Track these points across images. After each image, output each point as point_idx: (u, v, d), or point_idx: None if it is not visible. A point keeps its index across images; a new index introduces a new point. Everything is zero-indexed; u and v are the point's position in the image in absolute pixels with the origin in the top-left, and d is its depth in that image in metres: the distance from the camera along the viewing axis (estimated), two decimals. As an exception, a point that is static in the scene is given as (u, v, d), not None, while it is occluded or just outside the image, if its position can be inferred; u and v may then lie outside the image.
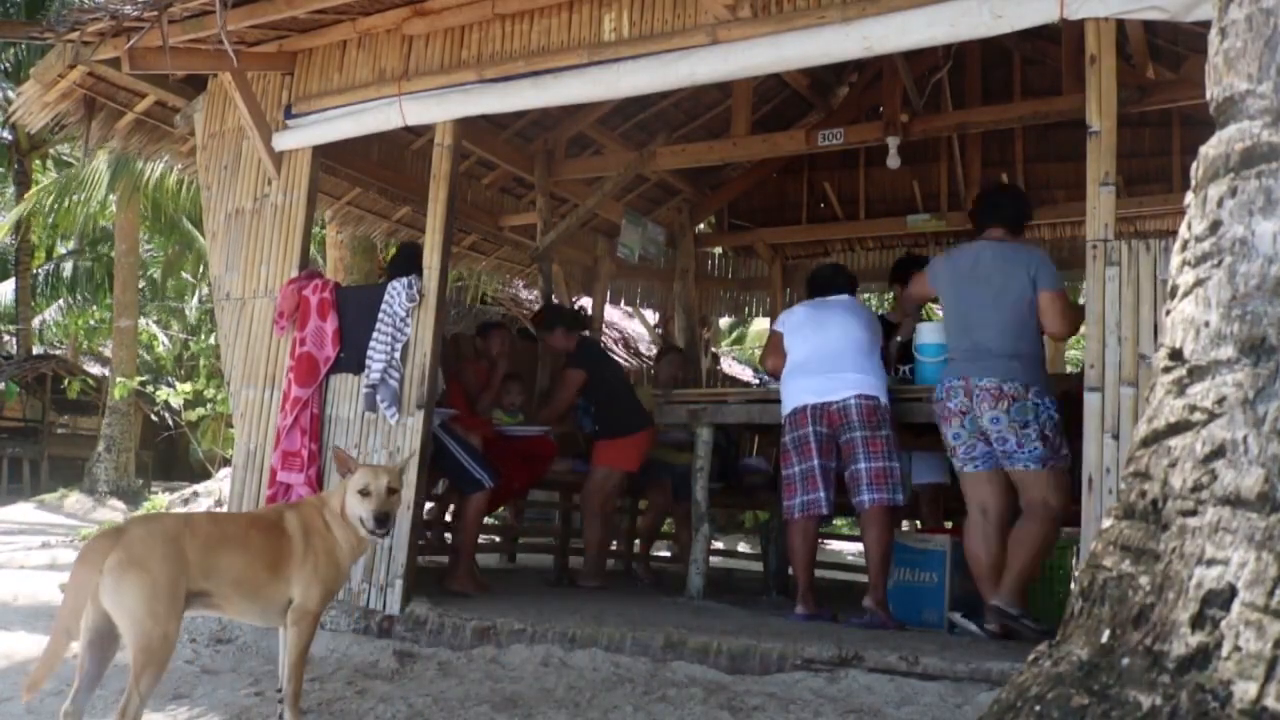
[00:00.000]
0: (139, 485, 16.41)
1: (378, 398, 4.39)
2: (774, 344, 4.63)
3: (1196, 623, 1.48)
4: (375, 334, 4.46)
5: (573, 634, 3.71)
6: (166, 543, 2.57)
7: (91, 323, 21.49)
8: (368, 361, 4.46)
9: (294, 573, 2.81)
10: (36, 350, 21.62)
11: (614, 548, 7.75)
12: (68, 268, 20.77)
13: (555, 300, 7.08)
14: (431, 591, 4.48)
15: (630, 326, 14.11)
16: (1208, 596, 1.48)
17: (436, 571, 5.12)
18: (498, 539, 7.14)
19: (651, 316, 13.07)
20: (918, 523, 5.91)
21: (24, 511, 14.40)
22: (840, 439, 4.29)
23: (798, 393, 4.38)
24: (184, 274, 22.17)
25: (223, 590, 2.69)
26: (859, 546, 6.11)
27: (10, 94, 14.02)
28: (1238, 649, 1.41)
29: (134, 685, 2.45)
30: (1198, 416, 1.62)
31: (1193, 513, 1.57)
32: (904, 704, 3.00)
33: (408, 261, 4.70)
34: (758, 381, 6.64)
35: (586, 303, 8.98)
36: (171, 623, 2.52)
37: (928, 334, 4.59)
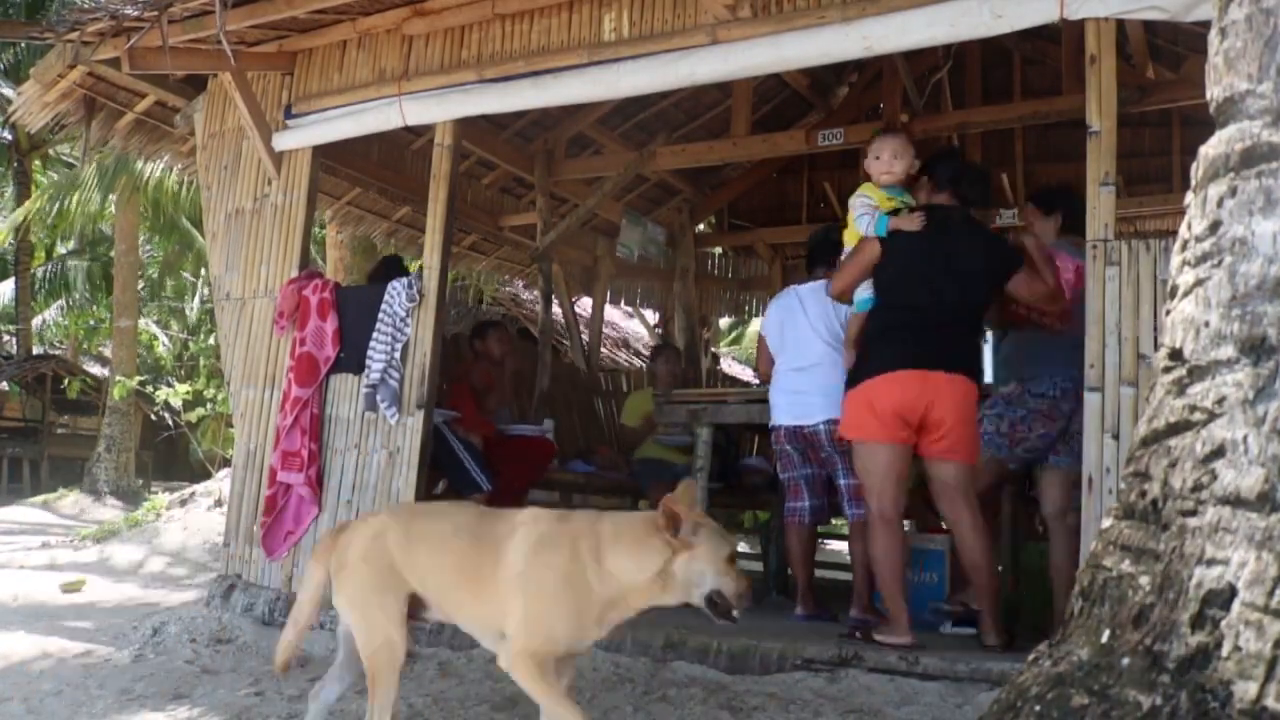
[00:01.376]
0: (139, 485, 16.39)
1: (378, 398, 4.39)
2: (761, 350, 4.59)
3: (1196, 623, 1.48)
4: (375, 334, 4.46)
5: (573, 634, 3.70)
6: (373, 543, 2.43)
7: (91, 323, 21.49)
8: (368, 361, 4.46)
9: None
10: (36, 350, 21.61)
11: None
12: (68, 268, 20.77)
13: (555, 299, 7.08)
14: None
15: (630, 326, 14.10)
16: (1208, 596, 1.48)
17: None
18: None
19: (651, 316, 13.06)
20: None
21: (24, 511, 14.38)
22: (820, 454, 4.29)
23: (775, 409, 4.36)
24: (184, 274, 22.17)
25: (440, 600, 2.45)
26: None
27: (10, 94, 14.01)
28: (1238, 649, 1.41)
29: (370, 695, 2.38)
30: (1198, 416, 1.62)
31: (1193, 513, 1.57)
32: (904, 704, 3.00)
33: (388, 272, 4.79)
34: (757, 382, 6.60)
35: (586, 303, 8.99)
36: (393, 630, 2.36)
37: None
